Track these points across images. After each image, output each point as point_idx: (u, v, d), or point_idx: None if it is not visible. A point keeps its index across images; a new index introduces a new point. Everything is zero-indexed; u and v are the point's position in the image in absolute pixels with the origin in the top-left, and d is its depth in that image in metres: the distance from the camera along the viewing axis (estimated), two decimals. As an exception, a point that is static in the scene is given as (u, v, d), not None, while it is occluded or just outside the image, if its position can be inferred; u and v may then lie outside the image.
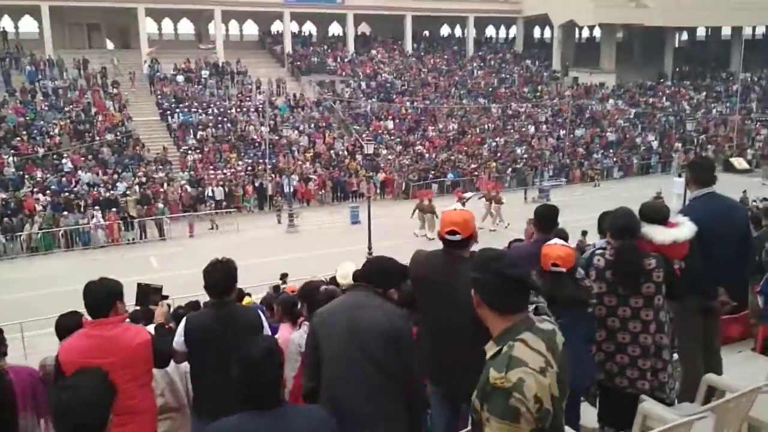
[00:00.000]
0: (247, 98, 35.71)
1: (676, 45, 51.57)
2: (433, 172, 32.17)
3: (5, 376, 3.20)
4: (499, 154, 34.94)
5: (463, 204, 21.99)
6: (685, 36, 54.82)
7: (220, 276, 3.86)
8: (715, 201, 4.15)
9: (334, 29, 47.69)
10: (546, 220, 4.17)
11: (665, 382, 3.59)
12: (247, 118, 33.82)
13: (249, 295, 8.85)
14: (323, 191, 30.00)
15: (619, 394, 3.68)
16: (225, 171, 28.94)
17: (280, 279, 14.06)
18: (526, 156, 35.22)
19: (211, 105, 34.15)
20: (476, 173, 32.70)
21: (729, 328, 6.02)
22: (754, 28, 51.17)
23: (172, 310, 7.01)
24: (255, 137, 32.26)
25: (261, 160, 30.09)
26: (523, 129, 38.23)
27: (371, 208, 21.94)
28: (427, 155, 33.90)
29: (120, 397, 3.50)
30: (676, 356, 4.15)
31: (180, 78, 35.96)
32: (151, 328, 4.07)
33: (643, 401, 3.55)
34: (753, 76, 46.01)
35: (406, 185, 31.06)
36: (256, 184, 28.76)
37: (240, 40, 46.56)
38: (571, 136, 38.03)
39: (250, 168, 29.84)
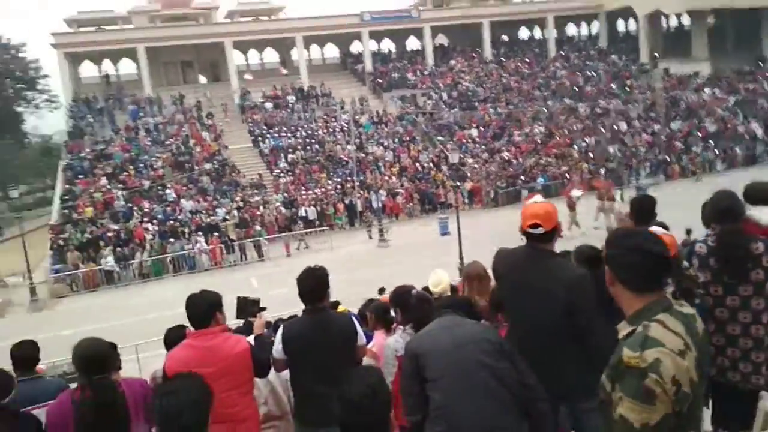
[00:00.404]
0: (333, 119, 36.61)
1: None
2: (522, 178, 31.59)
3: (118, 388, 3.43)
4: (590, 155, 33.82)
5: (572, 207, 21.73)
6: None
7: (313, 282, 3.97)
8: None
9: (412, 43, 48.08)
10: (643, 211, 4.01)
11: None
12: (333, 138, 34.65)
13: (339, 303, 8.99)
14: (411, 204, 30.16)
15: (733, 391, 3.44)
16: (316, 191, 29.73)
17: (378, 293, 14.21)
18: (619, 154, 33.89)
19: (299, 128, 35.27)
20: (567, 176, 31.79)
21: None
22: None
23: (272, 323, 7.26)
24: (342, 156, 32.97)
25: (349, 178, 30.67)
26: (615, 127, 36.83)
27: (460, 218, 21.79)
28: (514, 161, 33.35)
29: (222, 405, 3.66)
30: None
31: (268, 105, 37.40)
32: (251, 339, 4.23)
33: (763, 398, 3.32)
34: None
35: (495, 193, 30.65)
36: (346, 202, 29.33)
37: (322, 63, 47.84)
38: (667, 130, 36.24)
39: (339, 186, 30.49)
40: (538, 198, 3.37)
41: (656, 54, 45.20)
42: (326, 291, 4.02)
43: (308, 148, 33.62)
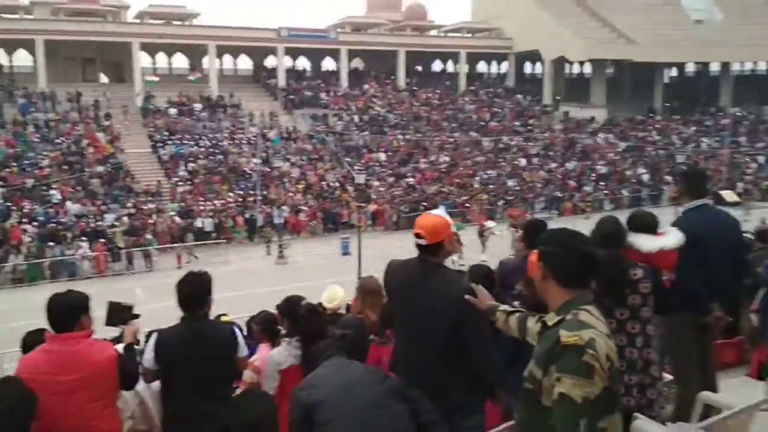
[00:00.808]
0: (240, 131, 35.82)
1: (666, 81, 52.29)
2: (424, 204, 32.10)
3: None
4: (490, 186, 35.00)
5: (482, 234, 22.31)
6: (674, 72, 55.62)
7: (192, 288, 3.69)
8: (709, 212, 4.01)
9: (328, 64, 48.20)
10: (535, 233, 4.05)
11: (653, 399, 3.39)
12: (239, 150, 33.86)
13: (225, 314, 8.58)
14: (314, 222, 29.87)
15: None
16: (215, 202, 28.81)
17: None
18: (517, 188, 35.29)
19: (203, 137, 34.21)
20: (467, 205, 32.70)
21: (723, 354, 5.87)
22: (742, 64, 51.99)
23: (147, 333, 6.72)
24: (246, 169, 32.24)
25: (252, 192, 29.99)
26: (515, 162, 38.41)
27: (362, 239, 21.77)
28: (418, 187, 33.93)
29: (81, 416, 3.28)
30: (669, 376, 3.96)
31: (173, 110, 36.07)
32: (120, 347, 3.86)
33: (636, 419, 3.37)
34: (742, 110, 46.57)
35: (397, 216, 30.98)
36: (247, 216, 28.60)
37: (234, 74, 46.93)
38: (562, 168, 38.20)
39: (240, 199, 29.73)
40: (439, 210, 3.27)
41: (558, 97, 47.81)
42: (206, 298, 3.75)
43: (211, 158, 32.63)
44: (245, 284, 20.26)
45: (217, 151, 33.23)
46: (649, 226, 3.57)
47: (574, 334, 2.05)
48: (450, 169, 36.54)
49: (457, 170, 36.48)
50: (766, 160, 41.46)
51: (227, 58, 46.39)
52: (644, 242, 3.48)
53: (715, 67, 51.00)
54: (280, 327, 4.60)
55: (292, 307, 4.13)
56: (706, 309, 3.78)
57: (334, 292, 5.15)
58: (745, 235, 6.73)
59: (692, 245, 3.59)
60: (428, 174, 35.54)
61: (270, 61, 45.28)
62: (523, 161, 38.65)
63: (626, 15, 49.04)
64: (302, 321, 3.82)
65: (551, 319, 2.23)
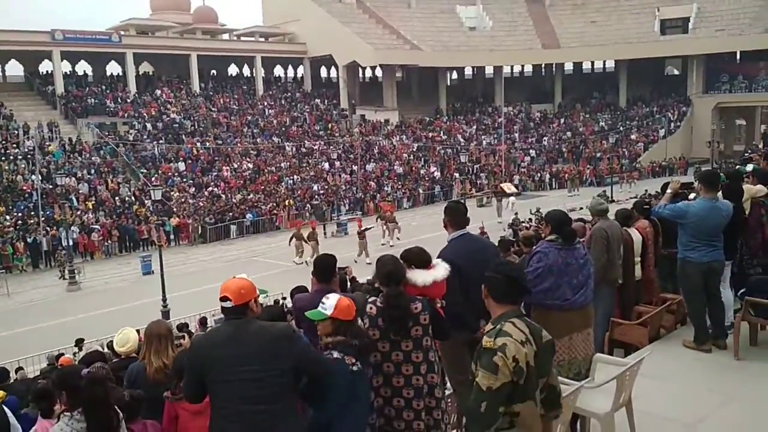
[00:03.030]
0: (14, 145, 32.10)
1: (448, 83, 56.77)
2: (230, 214, 31.54)
3: None
4: (296, 192, 35.37)
5: (362, 234, 23.66)
6: (455, 75, 60.58)
7: None
8: (469, 241, 4.58)
9: (113, 68, 44.89)
10: (323, 271, 4.33)
11: (439, 419, 3.80)
12: (14, 167, 30.37)
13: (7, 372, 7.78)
14: (109, 242, 27.85)
15: None
16: (-11, 228, 25.60)
17: (76, 345, 12.72)
18: (322, 192, 36.08)
19: (-33, 154, 30.16)
20: (275, 212, 32.72)
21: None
22: (512, 68, 58.17)
23: None
24: (24, 187, 29.06)
25: (33, 213, 27.13)
26: (318, 166, 39.20)
27: (165, 256, 20.80)
28: (223, 196, 33.17)
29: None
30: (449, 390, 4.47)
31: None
32: None
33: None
34: (513, 109, 52.21)
35: (203, 228, 30.04)
36: (29, 240, 25.82)
37: (3, 81, 41.71)
38: (363, 171, 39.82)
39: (20, 222, 26.74)
40: (243, 274, 3.46)
41: (354, 101, 49.62)
42: None
43: (-20, 177, 28.92)
44: (32, 318, 18.42)
45: (-14, 169, 29.50)
46: (424, 262, 4.03)
47: (491, 339, 2.79)
48: (254, 176, 36.24)
49: (262, 176, 36.30)
50: (536, 153, 47.00)
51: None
52: (419, 277, 3.93)
53: (489, 71, 56.48)
54: (57, 399, 3.95)
55: (66, 379, 3.59)
56: (474, 327, 4.34)
57: (127, 335, 4.96)
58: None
59: (457, 273, 4.14)
60: (233, 182, 34.90)
61: (46, 66, 41.05)
62: (326, 165, 39.59)
63: (409, 23, 52.53)
64: (84, 392, 3.36)
65: (487, 327, 2.94)
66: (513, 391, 2.77)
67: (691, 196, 6.47)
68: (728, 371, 5.66)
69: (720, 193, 5.78)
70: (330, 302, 3.45)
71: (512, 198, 33.42)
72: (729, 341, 5.92)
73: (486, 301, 3.03)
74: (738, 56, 49.54)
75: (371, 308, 3.78)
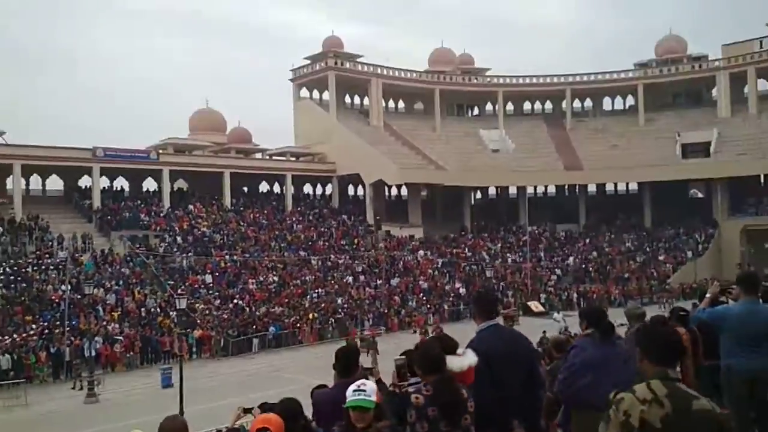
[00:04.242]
0: (47, 255, 32.91)
1: (473, 202, 57.76)
2: (254, 327, 31.31)
3: None
4: (322, 305, 35.20)
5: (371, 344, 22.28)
6: (479, 195, 61.78)
7: None
8: (499, 331, 4.41)
9: (149, 184, 46.73)
10: (346, 365, 4.22)
11: None
12: (45, 277, 30.94)
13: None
14: (131, 353, 27.61)
15: None
16: (15, 336, 25.63)
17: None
18: (346, 306, 35.85)
19: (2, 264, 30.87)
20: (298, 325, 32.42)
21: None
22: (535, 188, 59.23)
23: None
24: (53, 297, 29.39)
25: (59, 323, 27.26)
26: (343, 279, 39.24)
27: (185, 369, 20.47)
28: (247, 309, 33.09)
29: None
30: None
31: (-34, 234, 32.39)
32: None
33: None
34: (538, 228, 52.50)
35: (225, 341, 29.74)
36: (52, 350, 25.73)
37: (42, 195, 43.50)
38: (387, 285, 39.71)
39: (46, 331, 26.81)
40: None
41: (379, 217, 50.51)
42: None
43: (12, 286, 29.39)
44: (47, 430, 17.95)
45: (19, 279, 30.07)
46: (452, 348, 3.90)
47: (619, 394, 2.80)
48: (279, 289, 36.31)
49: (287, 290, 36.35)
50: (562, 272, 46.61)
51: (34, 178, 43.13)
52: (455, 363, 3.78)
53: (513, 191, 57.52)
54: None
55: None
56: (504, 425, 4.09)
57: None
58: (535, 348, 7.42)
59: (486, 365, 3.96)
60: (258, 295, 34.96)
61: (85, 181, 42.87)
62: (350, 278, 39.63)
63: (434, 145, 54.47)
64: None
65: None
66: None
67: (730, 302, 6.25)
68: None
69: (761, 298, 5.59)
70: (370, 390, 3.32)
71: (560, 314, 32.08)
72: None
73: (639, 365, 2.97)
74: (762, 179, 49.88)
75: (417, 398, 3.55)
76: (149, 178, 45.95)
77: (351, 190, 57.07)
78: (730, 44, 54.53)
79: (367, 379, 5.41)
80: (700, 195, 56.53)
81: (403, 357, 4.19)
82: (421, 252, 46.14)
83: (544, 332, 27.88)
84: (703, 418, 2.72)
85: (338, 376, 4.19)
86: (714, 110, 54.51)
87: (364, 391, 3.27)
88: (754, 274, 5.97)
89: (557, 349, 7.49)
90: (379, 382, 4.31)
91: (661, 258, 47.47)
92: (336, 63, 52.70)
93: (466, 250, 48.15)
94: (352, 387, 3.32)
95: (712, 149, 50.89)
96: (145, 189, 46.20)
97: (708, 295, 6.05)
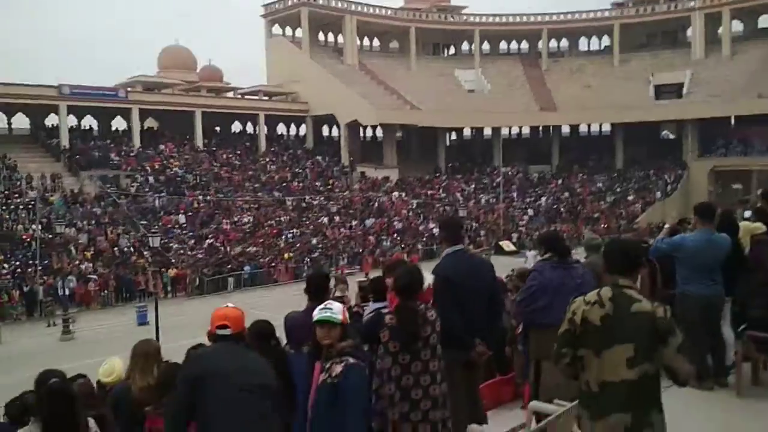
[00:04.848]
0: (16, 194, 32.32)
1: (447, 143, 57.66)
2: (229, 266, 31.45)
3: None
4: (297, 245, 35.38)
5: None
6: (454, 135, 61.62)
7: None
8: (463, 257, 4.55)
9: (118, 123, 45.65)
10: (317, 290, 4.34)
11: (452, 430, 3.73)
12: (14, 216, 30.48)
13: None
14: (105, 292, 27.66)
15: None
16: (-15, 276, 25.50)
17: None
18: (320, 246, 36.09)
19: (-31, 203, 30.35)
20: (273, 264, 32.65)
21: (501, 391, 6.57)
22: (510, 129, 59.21)
23: None
24: (24, 237, 29.07)
25: (31, 262, 27.06)
26: (318, 220, 39.36)
27: (161, 307, 20.63)
28: (221, 248, 33.15)
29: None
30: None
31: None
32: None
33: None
34: (512, 170, 52.82)
35: (200, 280, 29.89)
36: (25, 289, 25.65)
37: (9, 133, 42.29)
38: (362, 226, 39.95)
39: (18, 271, 26.64)
40: (229, 304, 3.51)
41: (354, 159, 50.29)
42: None
43: (-20, 226, 29.01)
44: (22, 366, 18.05)
45: (-13, 218, 29.63)
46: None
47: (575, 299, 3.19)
48: (254, 229, 36.33)
49: (262, 230, 36.40)
50: (534, 212, 47.28)
51: (0, 116, 41.86)
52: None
53: (487, 132, 57.47)
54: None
55: (37, 387, 3.63)
56: (469, 344, 4.28)
57: (112, 365, 4.81)
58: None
59: (450, 288, 4.11)
60: (232, 235, 34.97)
61: (52, 120, 41.74)
62: (325, 219, 39.76)
63: (410, 85, 53.80)
64: (44, 404, 3.29)
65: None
66: (574, 338, 3.09)
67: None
68: (731, 410, 5.56)
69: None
70: (337, 308, 3.44)
71: (533, 252, 32.76)
72: (730, 380, 5.84)
73: (603, 280, 3.22)
74: (732, 121, 50.50)
75: (392, 318, 3.67)
76: (118, 117, 44.87)
77: (326, 131, 56.50)
78: (706, -16, 54.07)
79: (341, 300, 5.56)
80: (671, 136, 57.12)
81: (366, 279, 4.36)
82: (396, 194, 46.29)
83: (513, 270, 28.61)
84: (639, 318, 2.96)
85: (309, 301, 4.33)
86: (688, 52, 54.51)
87: (331, 309, 3.41)
88: (710, 204, 6.18)
89: (521, 278, 7.74)
90: (349, 309, 4.47)
91: (630, 198, 48.31)
92: (309, -2, 51.24)
93: (440, 191, 48.42)
94: (320, 306, 3.45)
95: (684, 91, 51.20)
96: (114, 128, 45.19)
97: (667, 226, 6.28)
